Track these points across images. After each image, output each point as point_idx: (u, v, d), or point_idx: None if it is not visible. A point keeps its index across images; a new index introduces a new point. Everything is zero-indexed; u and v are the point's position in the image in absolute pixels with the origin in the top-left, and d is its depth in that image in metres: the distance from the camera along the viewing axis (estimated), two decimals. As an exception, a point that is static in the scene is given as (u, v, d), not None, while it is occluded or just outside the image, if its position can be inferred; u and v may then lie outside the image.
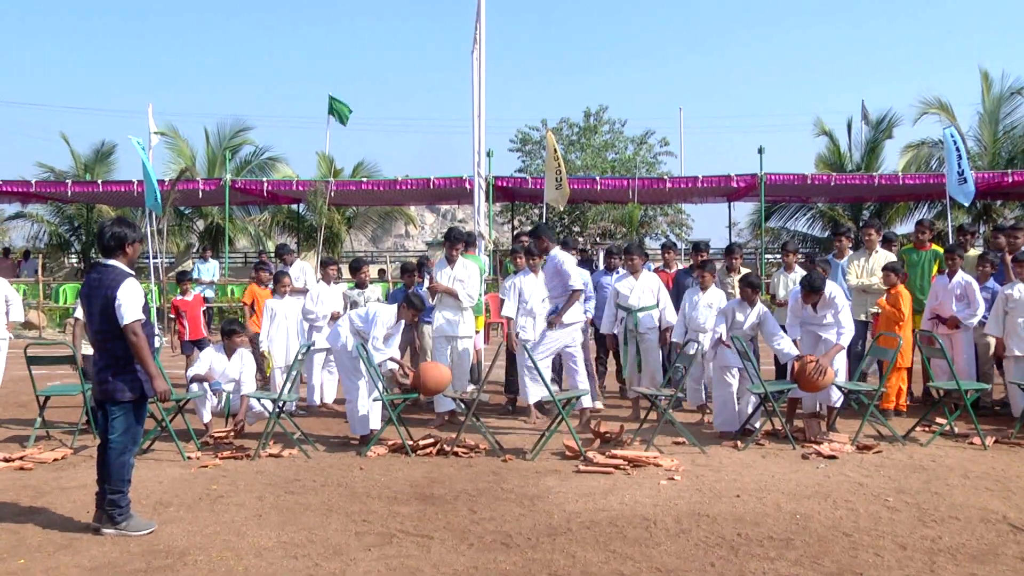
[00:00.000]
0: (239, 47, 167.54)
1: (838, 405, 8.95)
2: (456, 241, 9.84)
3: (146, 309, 5.89)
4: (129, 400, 5.83)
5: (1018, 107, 27.88)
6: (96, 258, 23.63)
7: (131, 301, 5.70)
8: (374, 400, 8.42)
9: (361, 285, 11.11)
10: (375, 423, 8.54)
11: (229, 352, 8.98)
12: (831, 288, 8.84)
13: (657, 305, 9.84)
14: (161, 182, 23.02)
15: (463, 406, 8.54)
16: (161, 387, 5.88)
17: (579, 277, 9.47)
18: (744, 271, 10.32)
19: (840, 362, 8.97)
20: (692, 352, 8.70)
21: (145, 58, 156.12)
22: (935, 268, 10.51)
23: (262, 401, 8.73)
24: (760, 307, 8.94)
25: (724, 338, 8.83)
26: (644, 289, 9.84)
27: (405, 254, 44.88)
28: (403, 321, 8.87)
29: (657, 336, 9.83)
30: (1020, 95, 27.63)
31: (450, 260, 9.77)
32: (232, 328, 9.06)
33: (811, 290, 8.68)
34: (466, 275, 9.68)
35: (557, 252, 9.59)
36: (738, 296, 9.15)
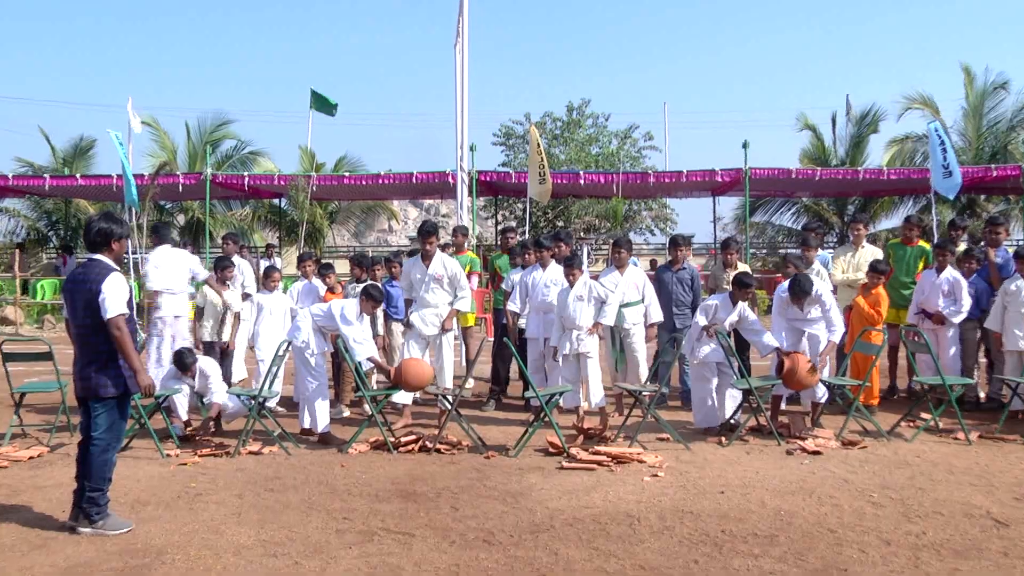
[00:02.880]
0: (220, 40, 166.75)
1: (823, 401, 8.96)
2: (429, 235, 9.34)
3: (131, 304, 5.85)
4: (113, 396, 5.79)
5: (1001, 102, 28.10)
6: (73, 252, 23.39)
7: (115, 295, 5.67)
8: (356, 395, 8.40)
9: (359, 280, 10.85)
10: (325, 421, 8.60)
11: (191, 374, 8.84)
12: (817, 285, 8.84)
13: (642, 300, 9.79)
14: (141, 176, 22.87)
15: (447, 402, 8.50)
16: (145, 381, 5.83)
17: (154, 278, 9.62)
18: (742, 267, 10.32)
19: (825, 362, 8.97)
20: (674, 348, 8.69)
21: (125, 51, 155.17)
22: (921, 264, 10.51)
23: (241, 396, 8.67)
24: (741, 304, 8.93)
25: (708, 332, 8.82)
26: (629, 284, 9.75)
27: (388, 249, 44.79)
28: (367, 316, 8.87)
29: (642, 332, 9.75)
30: (1003, 90, 27.82)
31: (425, 256, 9.35)
32: (186, 363, 8.72)
33: (800, 293, 8.65)
34: (443, 272, 9.32)
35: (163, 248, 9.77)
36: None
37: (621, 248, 9.94)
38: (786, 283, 8.97)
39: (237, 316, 10.01)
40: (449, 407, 8.35)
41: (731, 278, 10.04)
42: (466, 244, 11.84)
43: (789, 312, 8.95)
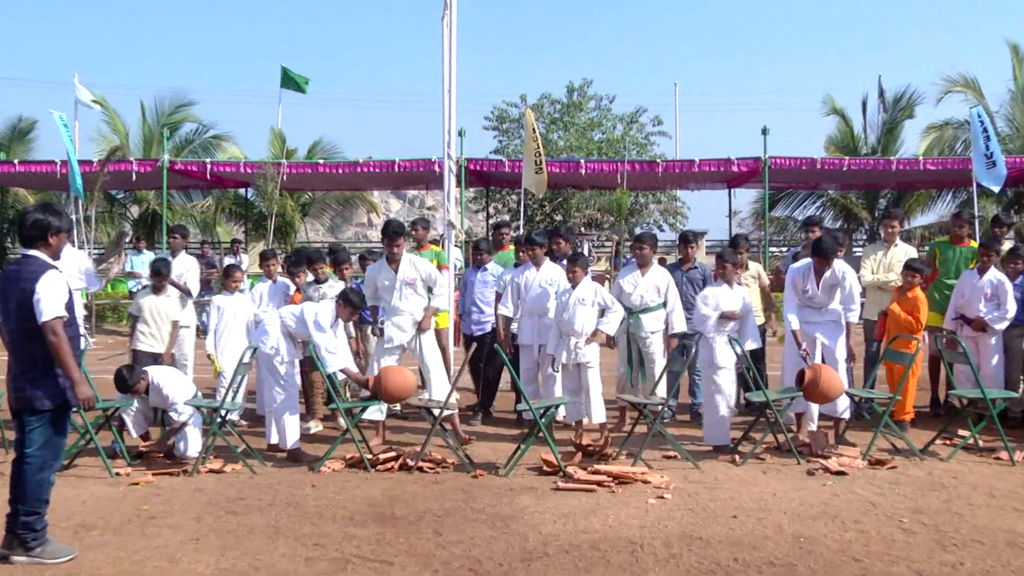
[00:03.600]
0: (180, 9, 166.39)
1: (847, 416, 8.98)
2: (396, 236, 9.14)
3: (71, 306, 5.83)
4: (49, 409, 5.76)
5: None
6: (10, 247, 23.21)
7: (51, 296, 5.63)
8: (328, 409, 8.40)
9: (318, 281, 10.75)
10: (294, 437, 8.62)
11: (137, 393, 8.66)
12: (842, 266, 8.88)
13: (664, 305, 9.61)
14: (89, 163, 22.85)
15: (430, 415, 8.50)
16: (84, 394, 5.81)
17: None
18: (752, 264, 10.36)
19: (843, 370, 8.99)
20: (683, 356, 8.71)
21: (70, 20, 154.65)
22: (972, 267, 10.36)
23: (191, 435, 8.54)
24: (742, 289, 9.01)
25: (735, 312, 8.95)
26: (650, 286, 9.59)
27: (367, 245, 44.77)
28: (341, 321, 8.88)
29: (661, 341, 9.60)
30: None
31: (391, 260, 9.19)
32: (126, 384, 8.47)
33: (818, 254, 8.68)
34: (415, 275, 9.19)
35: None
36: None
37: (644, 244, 9.76)
38: (800, 261, 9.01)
39: (175, 324, 9.90)
40: (432, 420, 8.34)
41: (741, 279, 10.09)
42: (431, 237, 11.80)
43: (804, 296, 8.96)
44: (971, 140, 17.90)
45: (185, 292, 10.63)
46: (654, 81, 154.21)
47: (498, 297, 10.06)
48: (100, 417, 8.44)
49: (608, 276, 19.01)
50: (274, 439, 8.68)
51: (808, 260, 9.02)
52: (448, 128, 12.92)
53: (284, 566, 5.59)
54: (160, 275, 9.88)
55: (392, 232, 9.18)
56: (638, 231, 30.65)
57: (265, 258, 10.84)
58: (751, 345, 8.99)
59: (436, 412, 8.30)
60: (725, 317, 8.90)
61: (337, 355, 8.61)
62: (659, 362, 9.57)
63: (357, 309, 8.93)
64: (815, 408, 8.88)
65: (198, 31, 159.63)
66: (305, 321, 8.63)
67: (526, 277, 9.75)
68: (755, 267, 10.45)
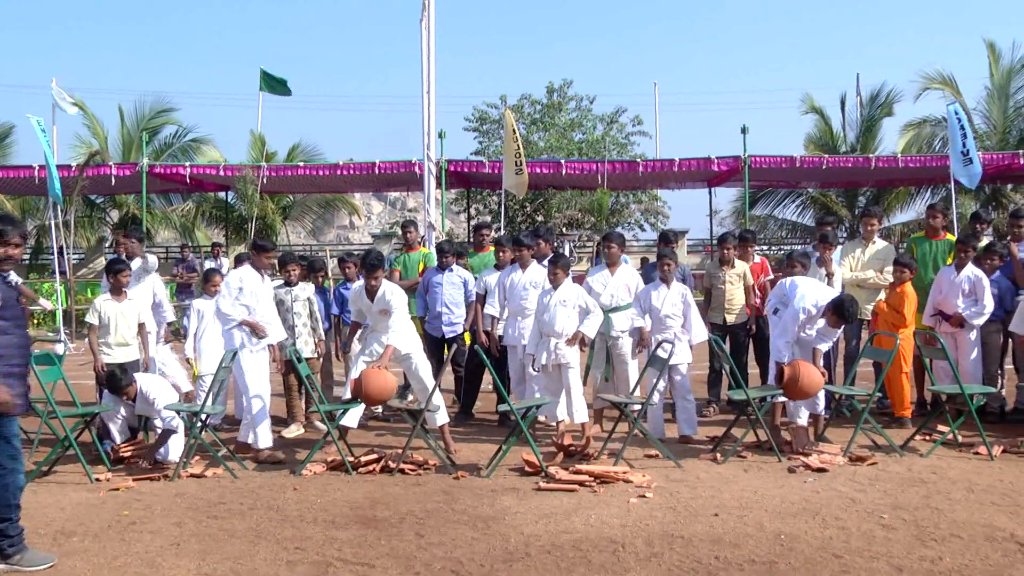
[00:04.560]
0: (159, 13, 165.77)
1: (823, 412, 8.96)
2: (373, 269, 8.77)
3: (8, 310, 5.72)
4: None
5: (1030, 81, 28.23)
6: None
7: None
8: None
9: (288, 283, 10.28)
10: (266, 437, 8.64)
11: (127, 397, 8.65)
12: (832, 294, 8.84)
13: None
14: (67, 167, 22.75)
15: (412, 417, 8.48)
16: (2, 398, 5.59)
17: None
18: (739, 263, 10.35)
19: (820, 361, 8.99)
20: (665, 355, 8.71)
21: (48, 24, 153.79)
22: (949, 261, 10.30)
23: (172, 440, 8.52)
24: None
25: (645, 329, 9.17)
26: (619, 285, 9.67)
27: (349, 247, 44.68)
28: (265, 275, 9.02)
29: (631, 340, 9.63)
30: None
31: (368, 291, 8.87)
32: (119, 384, 8.50)
33: (836, 315, 8.45)
34: (385, 307, 8.80)
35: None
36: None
37: (612, 242, 9.80)
38: (802, 286, 8.82)
39: (142, 328, 9.60)
40: (413, 423, 8.32)
41: (726, 276, 10.11)
42: (419, 239, 11.77)
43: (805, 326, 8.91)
44: (949, 137, 17.92)
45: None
46: (634, 81, 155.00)
47: (479, 298, 10.07)
48: (80, 422, 8.39)
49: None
50: (248, 438, 8.65)
51: (821, 305, 8.76)
52: (428, 130, 12.94)
53: (265, 570, 5.57)
54: (121, 272, 9.45)
55: (369, 265, 8.84)
56: (619, 231, 30.78)
57: (240, 261, 10.71)
58: (699, 337, 9.23)
59: (419, 413, 8.29)
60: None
61: (234, 317, 8.71)
62: (630, 362, 9.63)
63: (270, 251, 9.11)
64: (820, 401, 8.88)
65: (178, 35, 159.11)
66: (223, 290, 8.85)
67: (512, 278, 9.74)
68: (741, 266, 10.42)
